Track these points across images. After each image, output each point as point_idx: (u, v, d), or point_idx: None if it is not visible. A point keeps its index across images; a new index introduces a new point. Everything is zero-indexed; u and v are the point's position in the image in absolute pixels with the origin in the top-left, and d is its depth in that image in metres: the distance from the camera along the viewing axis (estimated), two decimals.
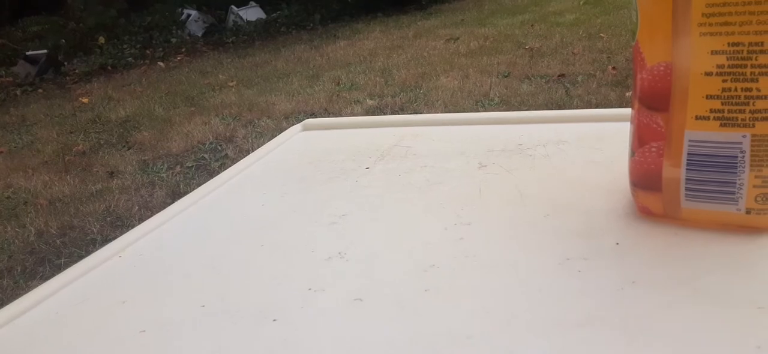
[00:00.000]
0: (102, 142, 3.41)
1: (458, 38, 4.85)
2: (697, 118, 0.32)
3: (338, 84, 3.95)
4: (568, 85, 3.19)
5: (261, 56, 5.42)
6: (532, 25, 4.93)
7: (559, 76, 3.39)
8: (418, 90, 3.54)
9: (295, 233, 0.42)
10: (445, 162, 0.51)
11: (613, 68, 3.35)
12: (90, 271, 0.41)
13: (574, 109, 2.78)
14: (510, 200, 0.42)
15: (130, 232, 0.45)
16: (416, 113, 3.12)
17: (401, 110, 3.23)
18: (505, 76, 3.55)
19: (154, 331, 0.32)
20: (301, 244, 0.40)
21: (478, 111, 3.01)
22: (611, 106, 2.62)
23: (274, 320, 0.31)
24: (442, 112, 3.07)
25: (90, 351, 0.32)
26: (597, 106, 2.81)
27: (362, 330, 0.30)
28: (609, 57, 3.59)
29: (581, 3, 5.53)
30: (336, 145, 0.60)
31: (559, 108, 2.87)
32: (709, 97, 0.32)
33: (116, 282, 0.39)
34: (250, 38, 6.54)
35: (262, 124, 3.32)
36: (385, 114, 3.19)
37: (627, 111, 0.38)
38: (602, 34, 4.23)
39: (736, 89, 0.31)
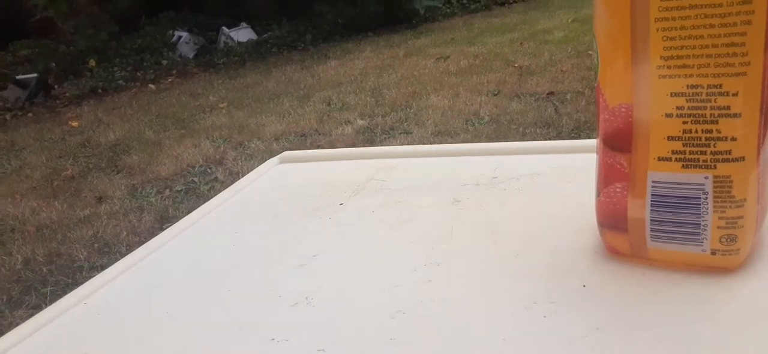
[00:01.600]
0: (91, 167, 3.39)
1: (448, 57, 4.88)
2: (659, 159, 0.32)
3: (329, 104, 3.96)
4: (558, 103, 3.21)
5: (252, 77, 5.42)
6: (521, 44, 4.97)
7: (548, 94, 3.41)
8: (408, 109, 3.55)
9: (263, 276, 0.41)
10: (419, 196, 0.51)
11: None
12: (55, 319, 0.40)
13: (562, 128, 2.80)
14: (481, 238, 0.42)
15: (96, 277, 0.44)
16: (406, 133, 3.13)
17: (391, 130, 3.23)
18: (495, 95, 3.57)
19: None
20: (269, 289, 0.39)
21: (468, 130, 3.02)
22: None
23: None
24: (432, 131, 3.08)
25: None
26: (586, 124, 2.83)
27: None
28: (597, 75, 3.61)
29: (570, 21, 5.59)
30: (312, 179, 0.59)
31: (549, 126, 2.88)
32: (670, 138, 0.32)
33: (79, 332, 0.38)
34: (241, 59, 6.55)
35: (253, 146, 3.31)
36: (375, 133, 3.20)
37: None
38: (591, 52, 4.26)
39: (696, 131, 0.31)
